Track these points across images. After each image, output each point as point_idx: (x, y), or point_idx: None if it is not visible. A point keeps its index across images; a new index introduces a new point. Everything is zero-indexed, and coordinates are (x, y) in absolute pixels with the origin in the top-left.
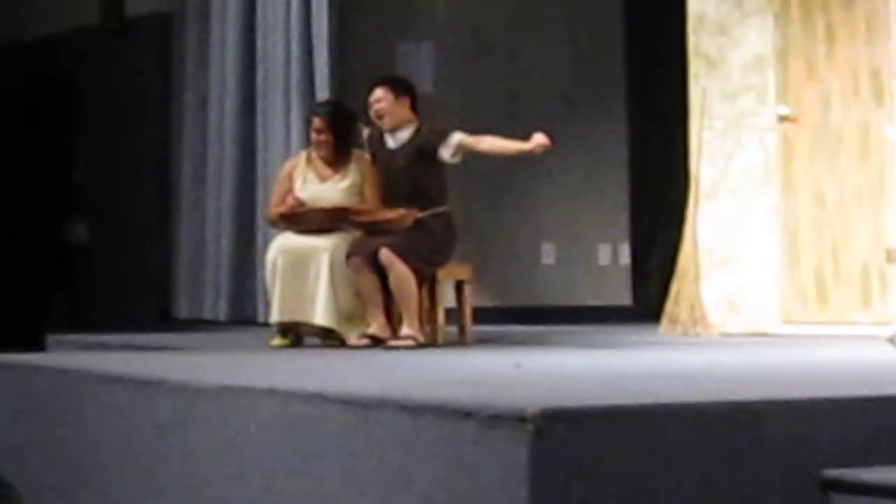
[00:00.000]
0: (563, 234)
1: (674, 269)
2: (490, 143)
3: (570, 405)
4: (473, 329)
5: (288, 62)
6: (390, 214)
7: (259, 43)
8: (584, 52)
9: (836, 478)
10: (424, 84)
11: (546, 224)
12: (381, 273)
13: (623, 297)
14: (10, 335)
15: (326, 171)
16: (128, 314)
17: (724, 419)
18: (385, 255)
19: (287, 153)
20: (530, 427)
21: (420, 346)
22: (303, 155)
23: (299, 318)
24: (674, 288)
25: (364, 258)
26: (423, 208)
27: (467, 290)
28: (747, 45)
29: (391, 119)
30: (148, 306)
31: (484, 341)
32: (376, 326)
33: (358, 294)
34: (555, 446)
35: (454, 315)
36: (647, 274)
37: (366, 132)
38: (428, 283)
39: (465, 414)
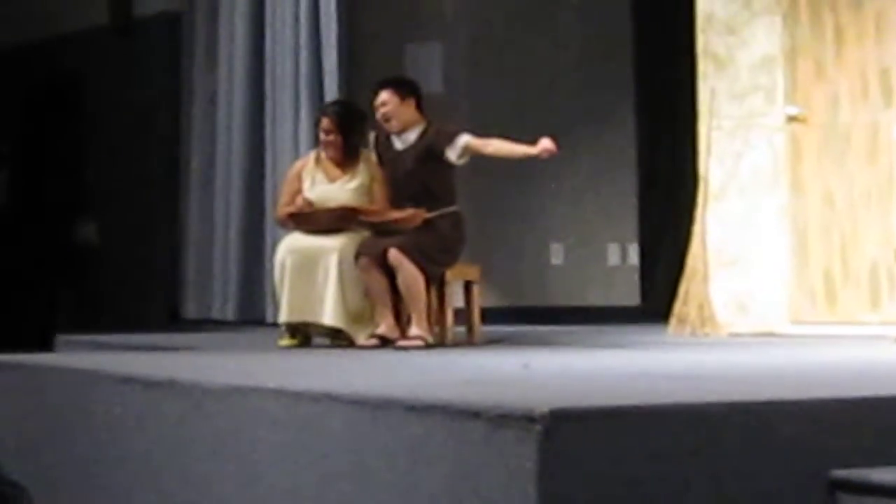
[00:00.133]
0: (571, 234)
1: (682, 269)
2: (497, 147)
3: (578, 405)
4: (482, 329)
5: (297, 63)
6: (399, 214)
7: (268, 43)
8: (593, 52)
9: (844, 478)
10: (433, 84)
11: (555, 224)
12: (390, 273)
13: (632, 297)
14: (19, 335)
15: (335, 171)
16: (136, 314)
17: (732, 419)
18: (394, 255)
19: (296, 154)
20: (539, 427)
21: (428, 346)
22: (312, 155)
23: (308, 318)
24: (682, 288)
25: (373, 258)
26: (431, 209)
27: (476, 290)
28: (756, 45)
29: (398, 122)
30: (156, 306)
31: (492, 341)
32: (385, 327)
33: (366, 294)
34: (563, 446)
35: (462, 315)
36: (656, 274)
37: (372, 135)
38: (436, 283)
39: (473, 414)
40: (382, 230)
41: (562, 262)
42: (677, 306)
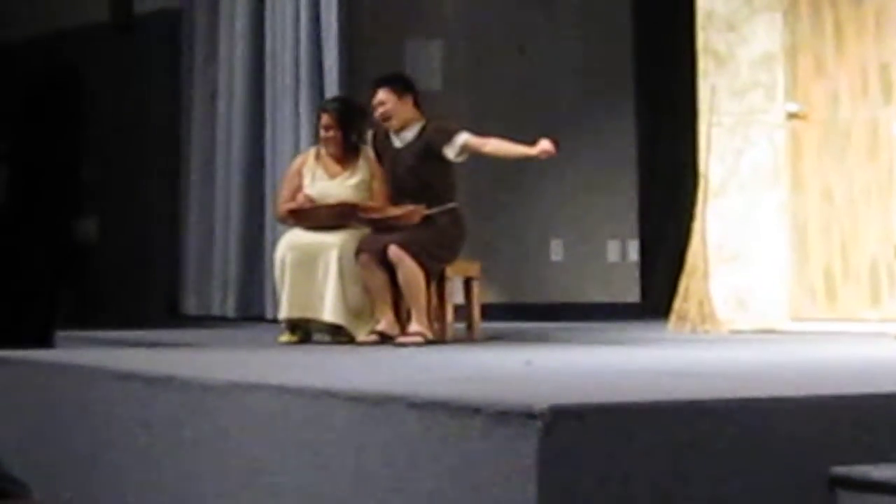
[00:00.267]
0: (571, 230)
1: (682, 266)
2: (495, 146)
3: (578, 402)
4: (482, 326)
5: (297, 59)
6: (399, 211)
7: (268, 39)
8: (593, 48)
9: (844, 475)
10: (433, 82)
11: (555, 221)
12: (390, 269)
13: (632, 293)
14: (19, 332)
15: (335, 167)
16: (136, 311)
17: (732, 416)
18: (394, 251)
19: (296, 150)
20: (539, 424)
21: (428, 342)
22: (312, 151)
23: (308, 314)
24: (682, 285)
25: (373, 255)
26: (431, 205)
27: (476, 286)
28: (756, 42)
29: (398, 120)
30: (156, 303)
31: (492, 338)
32: (385, 323)
33: (366, 290)
34: (563, 443)
35: (463, 312)
36: (656, 271)
37: (370, 132)
38: (436, 279)
39: (473, 410)
40: (382, 227)
41: (562, 258)
42: (677, 303)
